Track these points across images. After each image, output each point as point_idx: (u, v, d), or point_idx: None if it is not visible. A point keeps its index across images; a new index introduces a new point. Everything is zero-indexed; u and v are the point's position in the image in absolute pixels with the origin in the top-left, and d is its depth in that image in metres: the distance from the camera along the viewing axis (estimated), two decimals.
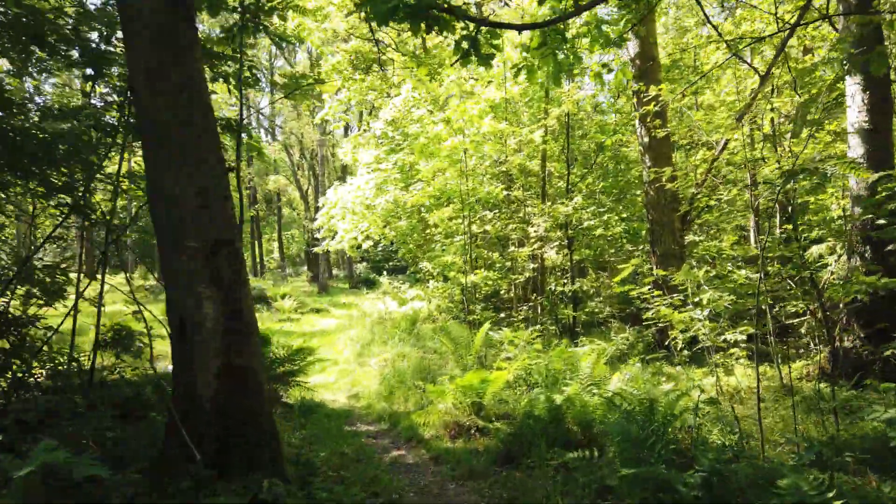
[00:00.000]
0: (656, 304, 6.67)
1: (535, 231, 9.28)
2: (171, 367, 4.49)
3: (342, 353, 10.11)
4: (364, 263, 46.07)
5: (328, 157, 32.48)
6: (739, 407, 6.01)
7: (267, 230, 47.85)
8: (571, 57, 5.08)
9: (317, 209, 18.42)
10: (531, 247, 9.52)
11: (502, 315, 10.50)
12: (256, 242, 40.52)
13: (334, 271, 41.92)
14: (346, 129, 31.54)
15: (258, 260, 40.46)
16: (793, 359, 7.86)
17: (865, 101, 6.43)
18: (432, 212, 12.34)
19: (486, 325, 7.58)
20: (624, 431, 3.81)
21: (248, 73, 5.20)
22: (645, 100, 7.59)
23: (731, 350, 7.15)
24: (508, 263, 11.42)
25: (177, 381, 3.33)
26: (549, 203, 9.75)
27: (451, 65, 6.38)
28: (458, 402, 5.61)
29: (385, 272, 20.01)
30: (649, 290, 6.50)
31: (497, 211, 10.72)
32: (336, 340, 11.22)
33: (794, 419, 4.00)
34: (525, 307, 10.30)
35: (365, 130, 20.33)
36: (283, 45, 5.59)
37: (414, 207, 14.58)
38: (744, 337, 6.64)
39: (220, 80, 5.12)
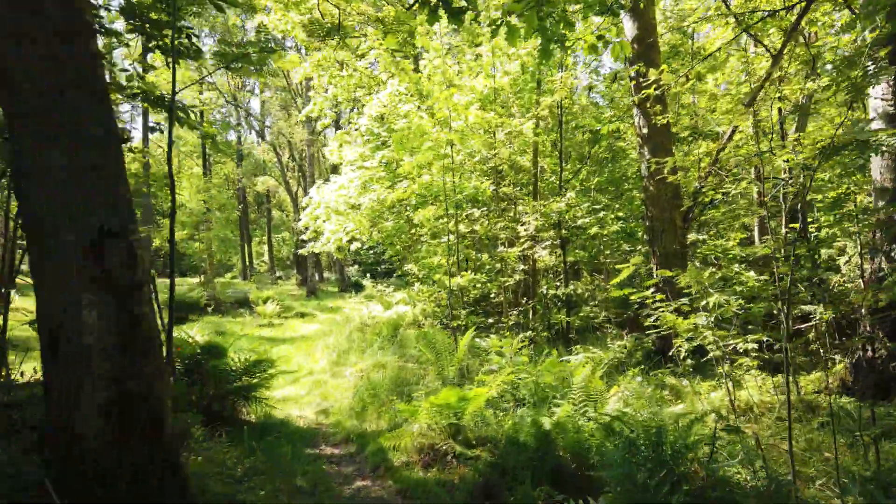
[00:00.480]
0: (659, 309, 5.97)
1: (525, 230, 8.57)
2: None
3: (318, 363, 9.36)
4: (356, 266, 45.30)
5: (318, 158, 31.71)
6: (754, 426, 5.31)
7: (258, 233, 47.00)
8: (562, 24, 4.38)
9: (303, 209, 17.72)
10: (521, 247, 8.80)
11: (491, 321, 9.77)
12: (246, 245, 39.65)
13: (326, 274, 41.12)
14: (338, 127, 30.77)
15: (248, 263, 39.60)
16: (804, 369, 7.17)
17: (891, 84, 5.78)
18: (418, 210, 11.63)
19: (470, 333, 6.86)
20: (626, 468, 3.09)
21: (185, 42, 4.47)
22: (644, 84, 6.89)
23: (740, 360, 6.45)
24: (498, 265, 10.70)
25: (47, 418, 2.58)
26: (540, 200, 9.04)
27: (420, 24, 5.65)
28: (434, 422, 4.88)
29: (370, 275, 19.23)
30: (652, 293, 5.80)
31: (486, 209, 10.00)
32: (314, 347, 10.47)
33: (835, 451, 3.28)
34: (515, 312, 9.58)
35: (352, 128, 19.63)
36: (226, 10, 4.87)
37: (400, 206, 13.87)
38: (755, 346, 5.94)
39: (156, 50, 4.39)
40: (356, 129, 17.13)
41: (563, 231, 8.61)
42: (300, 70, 19.68)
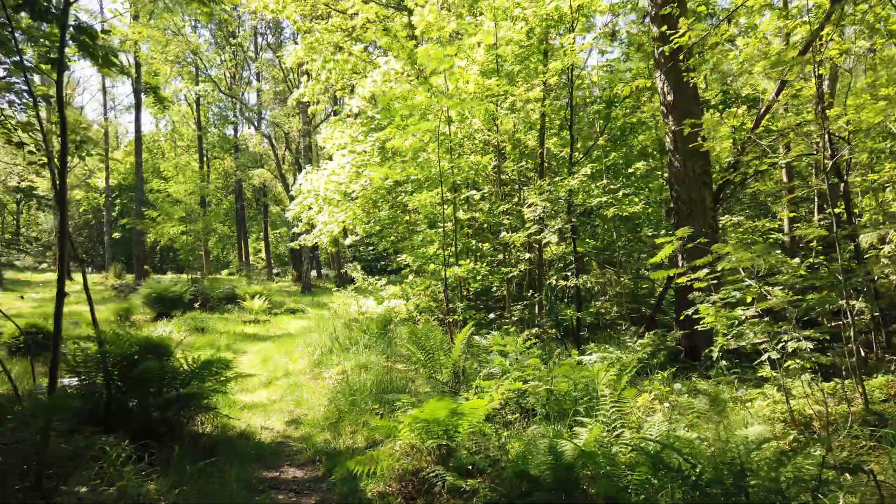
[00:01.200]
0: (697, 300, 4.92)
1: (532, 212, 7.51)
2: None
3: (297, 362, 8.32)
4: (355, 262, 44.27)
5: (314, 149, 30.67)
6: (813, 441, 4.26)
7: (255, 228, 45.93)
8: None
9: (291, 199, 16.58)
10: (526, 232, 7.74)
11: (492, 316, 8.72)
12: (242, 241, 38.63)
13: (324, 271, 40.08)
14: (335, 115, 29.66)
15: (244, 259, 38.56)
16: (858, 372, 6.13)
17: None
18: (413, 196, 10.58)
19: (468, 329, 5.81)
20: None
21: None
22: (672, 35, 5.82)
23: (790, 362, 5.39)
24: (500, 255, 9.65)
25: None
26: (547, 179, 7.98)
27: None
28: (419, 441, 3.84)
29: (366, 271, 18.15)
30: (689, 281, 4.75)
31: (486, 191, 8.93)
32: (296, 346, 9.43)
33: None
34: (520, 306, 8.53)
35: (345, 114, 18.59)
36: None
37: (394, 193, 12.83)
38: (810, 345, 4.89)
39: None
40: (349, 115, 16.08)
41: (574, 219, 7.54)
42: (292, 54, 18.66)
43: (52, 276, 29.37)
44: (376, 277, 12.46)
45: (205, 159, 39.17)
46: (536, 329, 7.96)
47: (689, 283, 4.93)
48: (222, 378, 4.91)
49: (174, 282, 17.28)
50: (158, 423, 4.55)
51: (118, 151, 39.27)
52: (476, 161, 8.15)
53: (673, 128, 7.04)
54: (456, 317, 7.42)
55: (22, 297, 19.09)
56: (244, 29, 34.26)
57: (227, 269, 39.35)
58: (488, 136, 9.01)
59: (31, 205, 42.24)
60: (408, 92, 7.85)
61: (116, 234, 35.71)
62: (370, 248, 45.99)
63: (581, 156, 9.37)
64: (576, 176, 7.01)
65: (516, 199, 8.64)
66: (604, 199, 7.11)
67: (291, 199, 16.06)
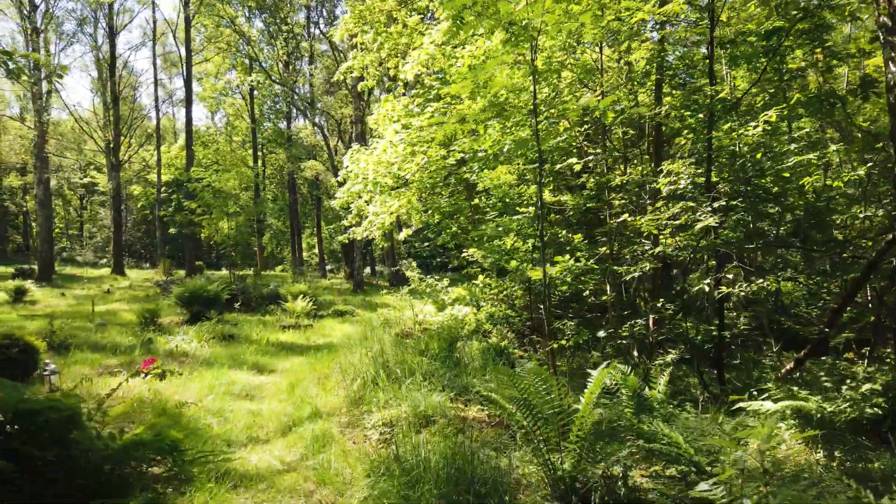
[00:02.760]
0: None
1: (672, 182, 4.93)
2: None
3: (332, 394, 6.12)
4: (410, 259, 42.35)
5: (367, 138, 28.84)
6: None
7: (309, 223, 44.83)
8: None
9: (339, 185, 14.53)
10: (661, 216, 5.16)
11: (601, 334, 6.21)
12: (296, 236, 37.45)
13: (378, 268, 38.34)
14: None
15: (297, 255, 37.34)
16: None
17: None
18: (483, 174, 8.22)
19: (601, 378, 3.33)
20: None
21: None
22: None
23: None
24: (604, 248, 7.10)
25: None
26: (690, 138, 5.36)
27: None
28: None
29: (421, 268, 15.81)
30: None
31: (592, 158, 6.40)
32: (334, 367, 7.26)
33: None
34: (644, 321, 5.96)
35: (400, 91, 16.38)
36: None
37: (452, 172, 10.47)
38: None
39: None
40: (404, 83, 13.78)
41: (748, 188, 4.89)
42: (341, 27, 16.75)
43: (107, 271, 29.04)
44: (436, 276, 10.13)
45: (259, 154, 38.29)
46: (673, 354, 5.39)
47: None
48: (170, 473, 2.68)
49: (211, 279, 15.67)
50: None
51: (174, 146, 38.99)
52: (590, 103, 5.57)
53: None
54: (563, 342, 4.96)
55: (63, 294, 18.16)
56: (297, 17, 32.93)
57: (281, 266, 38.34)
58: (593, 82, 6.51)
59: (93, 200, 42.93)
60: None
61: (172, 230, 35.33)
62: (426, 243, 44.01)
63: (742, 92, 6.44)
64: (755, 126, 4.37)
65: (636, 172, 6.08)
66: (808, 157, 4.42)
67: (340, 185, 13.99)
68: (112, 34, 27.95)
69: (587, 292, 7.79)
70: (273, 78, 30.74)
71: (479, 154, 7.71)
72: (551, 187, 7.31)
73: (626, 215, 5.73)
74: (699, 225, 4.33)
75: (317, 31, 34.33)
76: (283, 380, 7.13)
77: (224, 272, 27.07)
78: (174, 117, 47.61)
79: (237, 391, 6.38)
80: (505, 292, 7.39)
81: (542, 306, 6.13)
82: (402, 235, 12.15)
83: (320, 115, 28.65)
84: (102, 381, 6.56)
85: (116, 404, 4.38)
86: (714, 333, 5.99)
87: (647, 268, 5.62)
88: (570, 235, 7.81)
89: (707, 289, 5.01)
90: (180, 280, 21.63)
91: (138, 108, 36.12)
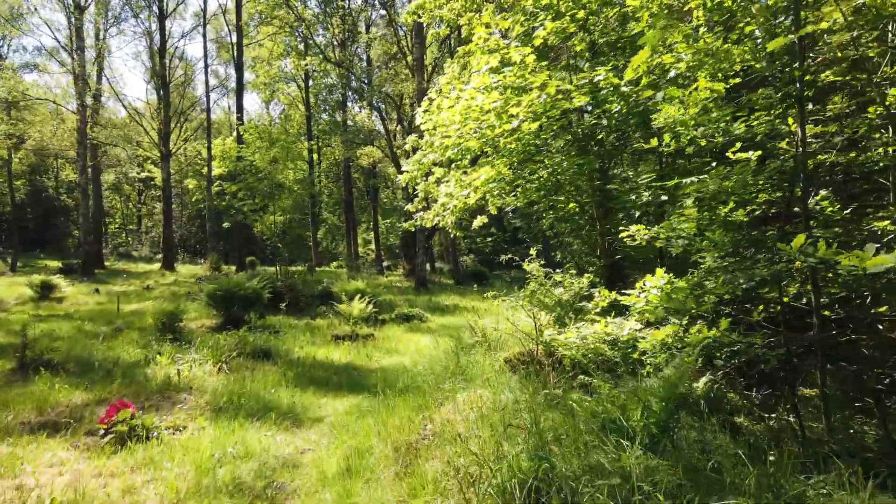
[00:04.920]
0: None
1: None
2: None
3: (429, 491, 3.06)
4: (470, 255, 39.12)
5: None
6: None
7: (366, 218, 42.48)
8: None
9: (406, 155, 11.60)
10: None
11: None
12: (351, 231, 35.01)
13: (437, 265, 35.39)
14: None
15: (352, 250, 34.92)
16: None
17: None
18: (669, 91, 4.99)
19: None
20: None
21: None
22: None
23: None
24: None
25: None
26: None
27: None
28: None
29: (537, 260, 12.40)
30: None
31: None
32: (423, 427, 4.21)
33: None
34: None
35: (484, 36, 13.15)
36: None
37: (569, 120, 7.32)
38: None
39: None
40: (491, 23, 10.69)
41: None
42: None
43: (157, 266, 27.57)
44: (562, 272, 6.91)
45: (314, 146, 36.24)
46: None
47: None
48: None
49: (258, 276, 13.10)
50: None
51: (228, 139, 37.58)
52: None
53: None
54: None
55: (96, 291, 16.19)
56: None
57: (336, 262, 36.05)
58: None
59: (150, 195, 42.26)
60: None
61: (226, 224, 33.76)
62: (488, 238, 40.14)
63: None
64: None
65: None
66: None
67: (406, 155, 10.87)
68: (162, 17, 26.44)
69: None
70: (328, 57, 28.29)
71: (671, 73, 4.48)
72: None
73: None
74: None
75: (375, 16, 31.79)
76: (332, 445, 4.14)
77: (277, 268, 24.95)
78: (230, 110, 46.54)
79: (247, 479, 3.44)
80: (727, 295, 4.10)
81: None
82: (477, 222, 8.99)
83: (377, 93, 25.89)
84: (9, 457, 3.78)
85: None
86: None
87: None
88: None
89: None
90: (227, 276, 19.42)
91: (190, 97, 34.68)
